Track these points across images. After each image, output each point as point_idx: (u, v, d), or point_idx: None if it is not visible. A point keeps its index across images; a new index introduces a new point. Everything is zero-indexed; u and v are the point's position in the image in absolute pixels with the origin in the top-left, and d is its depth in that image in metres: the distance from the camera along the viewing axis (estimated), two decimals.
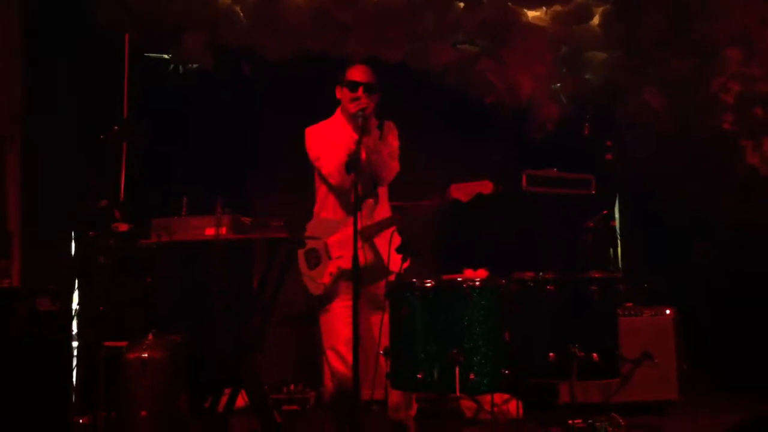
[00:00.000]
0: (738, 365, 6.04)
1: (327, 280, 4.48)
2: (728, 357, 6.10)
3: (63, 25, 5.72)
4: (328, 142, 4.55)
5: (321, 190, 4.63)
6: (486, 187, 4.32)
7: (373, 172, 4.48)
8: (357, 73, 4.53)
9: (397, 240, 4.32)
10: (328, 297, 4.51)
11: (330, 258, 4.50)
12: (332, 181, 4.50)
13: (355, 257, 3.89)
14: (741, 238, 6.31)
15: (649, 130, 6.31)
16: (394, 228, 4.43)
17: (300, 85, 6.23)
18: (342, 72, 4.58)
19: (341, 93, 4.59)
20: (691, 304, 5.86)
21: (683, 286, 6.23)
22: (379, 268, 4.43)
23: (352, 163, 4.12)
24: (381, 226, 4.45)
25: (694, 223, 6.40)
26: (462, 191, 4.33)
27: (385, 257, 4.36)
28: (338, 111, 4.67)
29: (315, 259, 4.54)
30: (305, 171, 4.64)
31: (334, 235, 4.50)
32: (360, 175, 4.11)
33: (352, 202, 4.41)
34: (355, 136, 4.29)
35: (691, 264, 6.49)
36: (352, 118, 4.47)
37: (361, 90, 4.47)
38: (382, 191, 4.62)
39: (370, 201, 4.51)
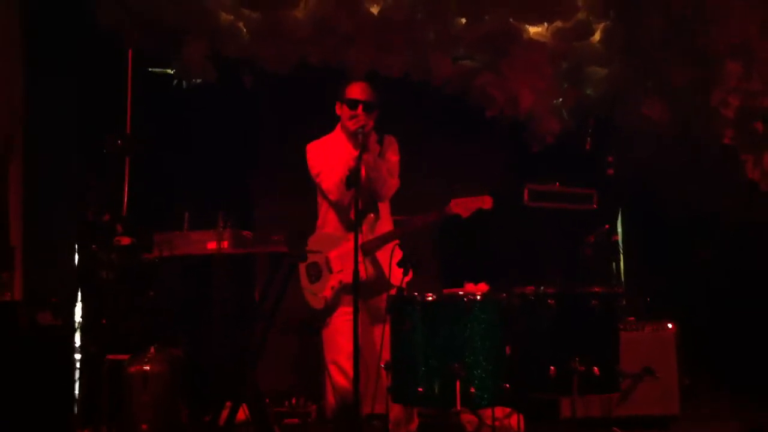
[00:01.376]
0: (740, 373, 6.02)
1: (328, 294, 4.50)
2: (730, 365, 6.08)
3: (64, 30, 5.71)
4: (329, 157, 4.58)
5: (323, 206, 4.66)
6: (486, 202, 4.34)
7: (372, 189, 4.50)
8: (356, 91, 4.55)
9: (398, 254, 4.34)
10: (329, 311, 4.53)
11: (331, 272, 4.52)
12: (331, 197, 4.53)
13: (356, 272, 3.90)
14: (742, 241, 6.30)
15: (649, 138, 6.32)
16: (396, 242, 4.45)
17: (301, 95, 6.25)
18: (342, 89, 4.61)
19: (341, 110, 4.61)
20: (692, 308, 5.86)
21: (684, 290, 6.23)
22: (380, 282, 4.45)
23: (352, 179, 4.14)
24: (382, 241, 4.47)
25: (695, 225, 6.40)
26: (462, 206, 4.35)
27: (386, 271, 4.38)
28: (338, 126, 4.70)
29: (316, 273, 4.56)
30: (306, 182, 4.66)
31: (335, 250, 4.53)
32: (360, 191, 4.13)
33: (351, 218, 4.44)
34: (355, 153, 4.31)
35: (692, 269, 6.49)
36: (352, 135, 4.50)
37: (360, 108, 4.49)
38: (384, 206, 4.64)
39: (371, 216, 4.53)
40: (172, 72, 6.22)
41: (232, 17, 6.13)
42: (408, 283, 4.25)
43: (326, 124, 4.72)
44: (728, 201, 6.16)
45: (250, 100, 6.37)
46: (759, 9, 5.94)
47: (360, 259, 3.98)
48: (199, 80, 6.18)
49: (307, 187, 4.71)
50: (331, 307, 4.53)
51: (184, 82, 6.19)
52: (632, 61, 6.35)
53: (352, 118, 4.49)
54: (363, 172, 4.30)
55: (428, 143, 6.30)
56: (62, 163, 5.64)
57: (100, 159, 4.72)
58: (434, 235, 6.28)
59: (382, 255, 4.46)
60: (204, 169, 6.12)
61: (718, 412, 5.79)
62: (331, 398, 4.56)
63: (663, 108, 6.30)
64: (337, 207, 4.57)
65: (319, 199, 4.68)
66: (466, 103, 6.51)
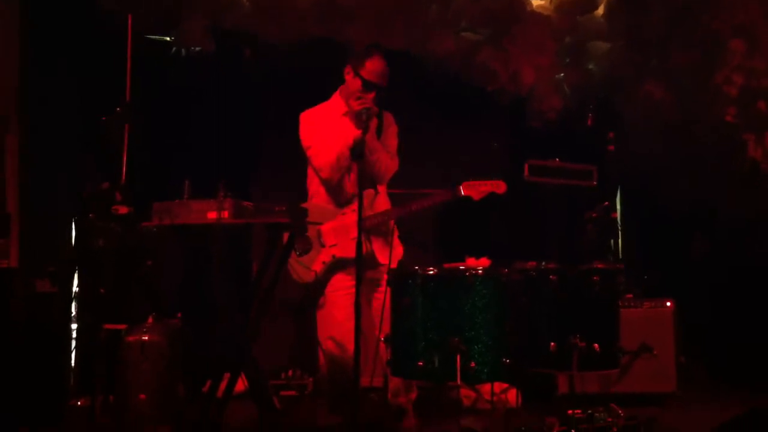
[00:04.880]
0: (735, 357, 6.06)
1: (318, 267, 4.44)
2: (726, 349, 6.12)
3: (62, 3, 5.65)
4: (323, 131, 4.47)
5: (315, 179, 4.57)
6: (500, 187, 4.33)
7: (372, 171, 4.42)
8: (377, 74, 4.36)
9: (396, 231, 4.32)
10: (319, 285, 4.48)
11: (323, 246, 4.46)
12: (322, 174, 4.45)
13: (359, 247, 3.84)
14: (741, 231, 6.31)
15: (651, 122, 6.30)
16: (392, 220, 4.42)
17: (302, 70, 6.18)
18: (360, 59, 4.40)
19: (352, 80, 4.47)
20: (690, 296, 5.87)
21: (682, 278, 6.24)
22: (373, 257, 4.42)
23: (357, 151, 4.06)
24: (383, 217, 4.43)
25: (695, 215, 6.41)
26: (474, 189, 4.33)
27: (376, 247, 4.35)
28: (336, 94, 4.58)
29: (305, 245, 4.49)
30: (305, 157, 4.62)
31: (328, 223, 4.46)
32: (364, 164, 4.06)
33: (344, 195, 4.37)
34: (353, 132, 4.23)
35: (690, 258, 6.51)
36: (354, 115, 4.38)
37: (374, 94, 4.37)
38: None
39: (371, 191, 4.47)
40: (170, 39, 6.14)
41: None
42: (407, 258, 4.24)
43: (326, 97, 4.65)
44: (730, 193, 6.15)
45: (250, 70, 6.30)
46: None
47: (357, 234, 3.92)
48: (198, 48, 6.10)
49: (306, 165, 4.66)
50: (321, 282, 4.48)
51: (183, 50, 6.11)
52: (635, 41, 6.31)
53: (359, 98, 4.36)
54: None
55: (427, 120, 6.25)
56: (60, 131, 5.58)
57: (99, 127, 4.66)
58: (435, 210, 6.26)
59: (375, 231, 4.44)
60: (204, 140, 6.08)
61: (712, 390, 5.82)
62: (324, 372, 4.54)
63: (665, 88, 6.26)
64: (327, 185, 4.50)
65: (310, 171, 4.60)
66: (467, 81, 6.46)
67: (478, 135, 6.53)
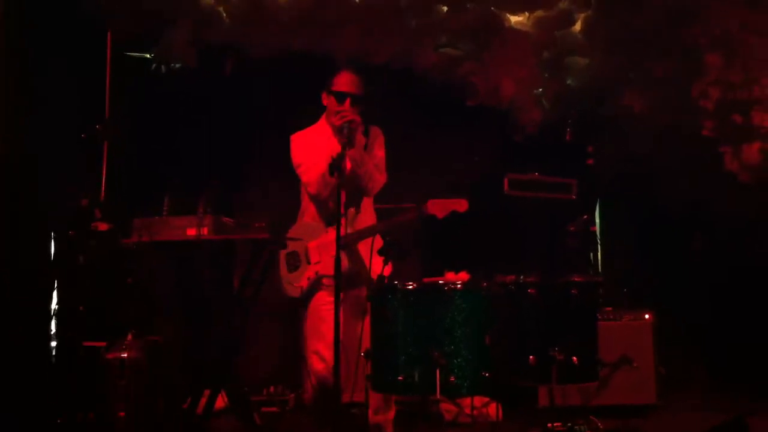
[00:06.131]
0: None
1: (304, 284, 4.49)
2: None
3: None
4: (311, 150, 4.53)
5: (305, 197, 4.63)
6: (461, 205, 4.36)
7: (359, 185, 4.46)
8: (345, 84, 4.45)
9: (379, 244, 4.32)
10: (306, 301, 4.51)
11: (309, 263, 4.50)
12: (310, 190, 4.50)
13: (337, 263, 3.85)
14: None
15: (632, 125, 6.34)
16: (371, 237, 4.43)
17: (284, 82, 6.19)
18: (329, 79, 4.52)
19: (327, 100, 4.54)
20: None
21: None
22: (359, 274, 4.44)
23: (335, 166, 4.08)
24: (360, 235, 4.45)
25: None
26: (438, 207, 4.36)
27: (365, 263, 4.36)
28: (323, 119, 4.64)
29: (294, 262, 4.55)
30: (287, 171, 4.63)
31: (314, 240, 4.51)
32: (343, 179, 4.08)
33: (330, 212, 4.41)
34: (340, 148, 4.26)
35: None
36: (337, 130, 4.42)
37: (348, 102, 4.42)
38: (366, 200, 4.62)
39: (351, 210, 4.51)
40: (150, 57, 6.14)
41: (212, 1, 6.06)
42: (390, 273, 4.26)
43: (311, 110, 4.67)
44: (711, 193, 6.18)
45: (232, 85, 6.30)
46: (740, 7, 5.95)
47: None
48: (178, 65, 6.10)
49: (287, 176, 4.67)
50: (306, 298, 4.51)
51: (162, 67, 6.10)
52: (614, 52, 6.35)
53: (338, 113, 4.40)
54: (349, 166, 4.26)
55: (409, 133, 6.26)
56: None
57: (79, 143, 4.65)
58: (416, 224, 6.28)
59: (362, 247, 4.45)
60: (185, 154, 6.06)
61: (693, 401, 5.85)
62: (309, 387, 4.55)
63: (645, 99, 6.31)
64: (315, 200, 4.54)
65: (303, 190, 4.66)
66: (448, 95, 6.49)
67: (461, 148, 6.56)
